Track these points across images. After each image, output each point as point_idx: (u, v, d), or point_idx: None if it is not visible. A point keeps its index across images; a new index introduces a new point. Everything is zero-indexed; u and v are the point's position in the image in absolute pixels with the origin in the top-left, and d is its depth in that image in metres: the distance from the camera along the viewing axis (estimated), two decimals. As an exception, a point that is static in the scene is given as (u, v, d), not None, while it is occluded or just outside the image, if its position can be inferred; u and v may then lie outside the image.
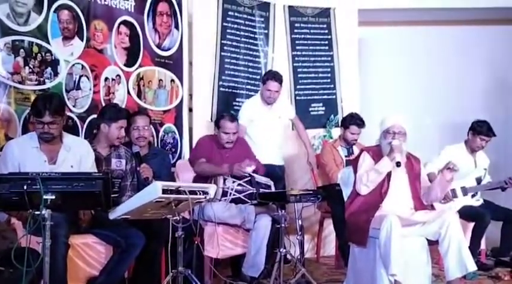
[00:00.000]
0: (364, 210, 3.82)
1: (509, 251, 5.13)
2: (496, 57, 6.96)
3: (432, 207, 4.01)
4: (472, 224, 4.92)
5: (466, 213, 4.79)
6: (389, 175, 3.86)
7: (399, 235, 3.53)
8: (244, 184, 4.48)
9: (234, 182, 4.45)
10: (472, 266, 3.62)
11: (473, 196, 5.10)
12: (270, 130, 5.25)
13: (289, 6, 6.17)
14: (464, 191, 5.03)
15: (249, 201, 4.45)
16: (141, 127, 4.30)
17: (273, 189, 4.62)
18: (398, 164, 3.78)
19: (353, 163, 4.11)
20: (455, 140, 5.26)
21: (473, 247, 4.65)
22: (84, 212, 3.56)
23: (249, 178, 4.50)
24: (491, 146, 5.28)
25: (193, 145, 5.28)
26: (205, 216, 4.26)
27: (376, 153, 3.98)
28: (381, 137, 4.02)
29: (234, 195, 4.42)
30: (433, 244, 3.79)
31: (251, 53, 5.93)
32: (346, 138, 5.32)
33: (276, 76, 5.15)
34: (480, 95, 7.01)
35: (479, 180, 5.16)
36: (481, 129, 5.11)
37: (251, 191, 4.45)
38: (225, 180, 4.43)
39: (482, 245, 5.08)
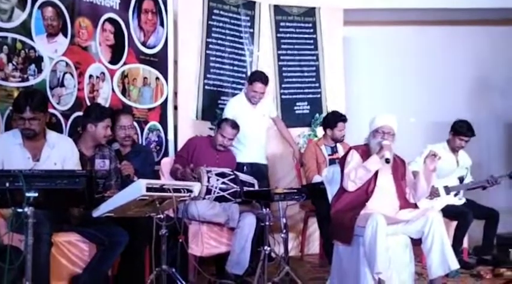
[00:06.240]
0: (350, 208, 3.83)
1: (491, 249, 5.18)
2: (480, 58, 7.01)
3: (416, 206, 4.03)
4: (454, 223, 4.96)
5: (448, 212, 4.81)
6: (375, 174, 3.87)
7: (384, 234, 3.54)
8: (228, 182, 4.47)
9: (218, 180, 4.44)
10: (455, 265, 3.64)
11: (456, 195, 5.13)
12: (254, 129, 5.24)
13: (275, 5, 6.17)
14: (447, 190, 5.06)
15: (233, 199, 4.45)
16: (127, 127, 4.29)
17: (256, 188, 4.62)
18: (387, 160, 3.79)
19: (340, 161, 4.11)
20: (439, 139, 5.27)
21: (456, 245, 4.68)
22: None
23: (233, 176, 4.50)
24: (474, 146, 5.31)
25: (178, 143, 5.28)
26: (189, 215, 4.24)
27: (365, 152, 3.99)
28: (369, 136, 4.02)
29: (218, 193, 4.42)
30: (416, 243, 3.81)
31: (236, 51, 5.93)
32: (335, 136, 5.32)
33: (263, 78, 5.18)
34: (464, 95, 7.07)
35: (461, 179, 5.20)
36: (460, 129, 5.12)
37: (235, 189, 4.45)
38: (209, 178, 4.42)
39: (465, 244, 5.12)
